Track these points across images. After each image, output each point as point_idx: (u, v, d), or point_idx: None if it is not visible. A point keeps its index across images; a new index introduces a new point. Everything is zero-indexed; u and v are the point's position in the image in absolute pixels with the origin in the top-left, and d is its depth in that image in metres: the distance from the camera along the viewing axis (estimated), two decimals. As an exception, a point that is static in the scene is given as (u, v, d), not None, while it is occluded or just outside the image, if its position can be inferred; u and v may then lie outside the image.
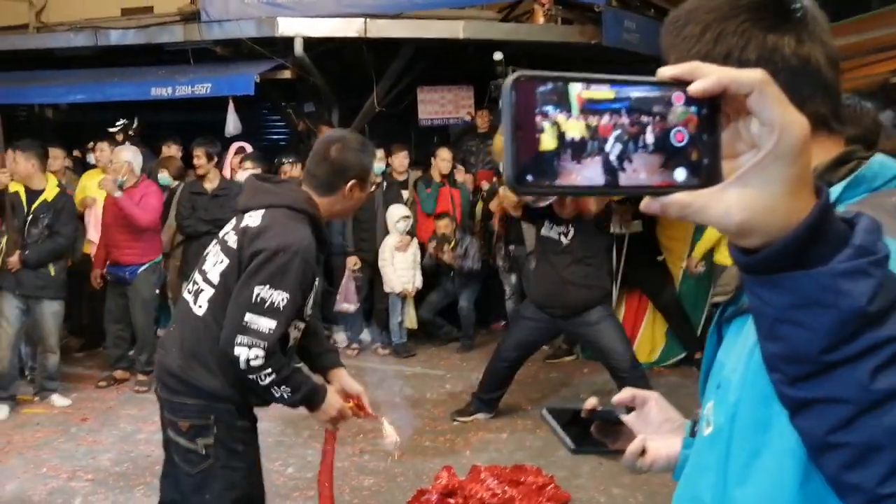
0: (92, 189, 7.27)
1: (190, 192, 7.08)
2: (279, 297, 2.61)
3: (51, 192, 6.27)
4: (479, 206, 8.19)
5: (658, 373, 7.01)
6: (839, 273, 0.66)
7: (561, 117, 0.67)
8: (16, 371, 6.36)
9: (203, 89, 8.73)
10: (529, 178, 0.67)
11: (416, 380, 7.11)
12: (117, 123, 8.43)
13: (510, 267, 8.14)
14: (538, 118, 0.67)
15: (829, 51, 1.01)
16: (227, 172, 7.68)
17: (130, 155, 6.74)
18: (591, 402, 1.45)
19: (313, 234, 2.78)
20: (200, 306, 2.79)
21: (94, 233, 7.29)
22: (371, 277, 7.94)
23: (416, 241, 7.88)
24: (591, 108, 0.68)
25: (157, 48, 9.40)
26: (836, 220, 0.69)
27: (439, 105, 10.53)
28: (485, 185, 8.45)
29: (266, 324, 2.61)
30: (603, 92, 0.69)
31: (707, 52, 1.00)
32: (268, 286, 2.61)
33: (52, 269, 6.20)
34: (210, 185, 7.03)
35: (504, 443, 5.56)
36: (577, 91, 0.68)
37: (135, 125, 8.47)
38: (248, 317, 2.60)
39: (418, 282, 7.79)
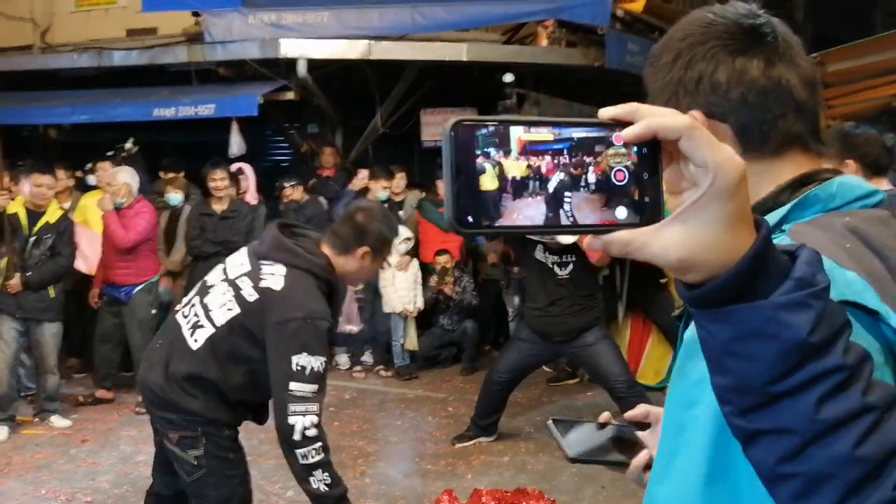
0: (91, 209, 7.25)
1: (199, 214, 7.07)
2: (317, 363, 2.74)
3: (53, 213, 6.26)
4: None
5: (664, 394, 6.94)
6: (779, 305, 0.67)
7: (502, 159, 0.68)
8: (15, 392, 6.31)
9: (206, 110, 8.76)
10: (470, 219, 0.67)
11: (418, 402, 7.07)
12: (109, 153, 8.38)
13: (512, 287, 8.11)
14: (479, 160, 0.68)
15: (803, 72, 1.05)
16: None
17: (128, 177, 6.75)
18: (604, 416, 1.49)
19: (328, 296, 2.92)
20: (196, 340, 2.82)
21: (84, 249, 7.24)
22: (373, 299, 7.92)
23: (416, 261, 7.86)
24: (532, 149, 0.69)
25: (161, 69, 9.43)
26: (777, 254, 0.70)
27: (443, 127, 10.53)
28: None
29: (311, 388, 2.73)
30: (544, 134, 0.69)
31: (680, 79, 1.06)
32: (305, 354, 2.72)
33: (51, 291, 6.19)
34: (220, 206, 7.03)
35: (506, 466, 5.51)
36: (518, 134, 0.69)
37: (128, 146, 8.42)
38: (293, 385, 2.71)
39: (419, 302, 7.77)
